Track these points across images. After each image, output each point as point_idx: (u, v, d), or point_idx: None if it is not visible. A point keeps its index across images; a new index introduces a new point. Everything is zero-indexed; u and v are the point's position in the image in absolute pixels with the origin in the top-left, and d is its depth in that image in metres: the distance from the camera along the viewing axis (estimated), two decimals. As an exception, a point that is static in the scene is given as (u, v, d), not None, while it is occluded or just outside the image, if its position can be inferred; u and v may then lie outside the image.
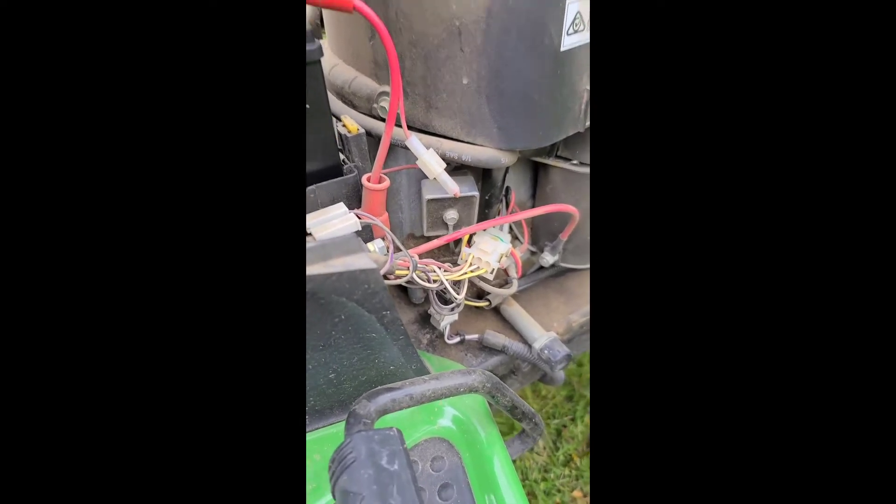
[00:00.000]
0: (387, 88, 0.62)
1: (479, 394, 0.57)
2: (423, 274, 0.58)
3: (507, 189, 0.74)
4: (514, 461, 0.68)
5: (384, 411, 0.51)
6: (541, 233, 0.81)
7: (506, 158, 0.59)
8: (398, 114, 0.53)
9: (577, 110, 0.58)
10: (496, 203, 0.73)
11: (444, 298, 0.70)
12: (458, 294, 0.62)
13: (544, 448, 1.30)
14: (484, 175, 0.70)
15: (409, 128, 0.63)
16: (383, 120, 0.65)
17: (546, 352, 0.73)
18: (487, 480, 0.62)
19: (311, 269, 0.42)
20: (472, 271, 0.62)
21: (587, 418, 1.34)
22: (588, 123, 0.60)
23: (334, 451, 0.42)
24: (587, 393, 1.39)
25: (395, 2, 0.55)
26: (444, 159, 0.60)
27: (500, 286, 0.74)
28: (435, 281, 0.58)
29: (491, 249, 0.63)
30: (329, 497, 0.58)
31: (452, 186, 0.57)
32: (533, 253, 0.85)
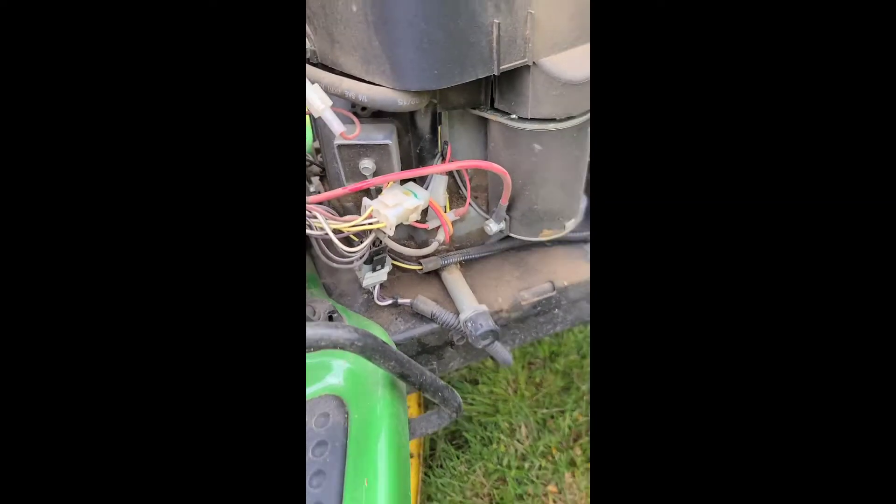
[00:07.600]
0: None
1: (349, 351, 0.53)
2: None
3: (445, 143, 0.67)
4: (429, 434, 0.64)
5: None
6: (492, 198, 0.74)
7: (403, 100, 0.53)
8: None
9: (483, 47, 0.50)
10: (429, 157, 0.67)
11: (366, 257, 0.66)
12: (349, 247, 0.58)
13: (527, 436, 1.22)
14: (412, 124, 0.64)
15: (321, 66, 0.59)
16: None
17: (469, 324, 0.67)
18: (367, 446, 0.59)
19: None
20: (368, 224, 0.57)
21: (577, 413, 1.24)
22: (503, 66, 0.52)
23: None
24: (585, 386, 1.28)
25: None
26: (344, 99, 0.55)
27: (422, 247, 0.69)
28: (318, 228, 0.55)
29: (394, 203, 0.58)
30: None
31: (337, 126, 0.52)
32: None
